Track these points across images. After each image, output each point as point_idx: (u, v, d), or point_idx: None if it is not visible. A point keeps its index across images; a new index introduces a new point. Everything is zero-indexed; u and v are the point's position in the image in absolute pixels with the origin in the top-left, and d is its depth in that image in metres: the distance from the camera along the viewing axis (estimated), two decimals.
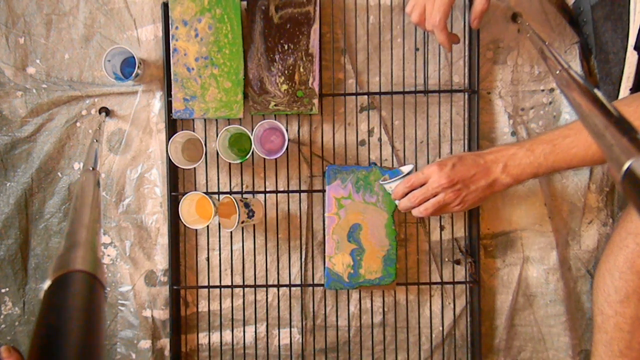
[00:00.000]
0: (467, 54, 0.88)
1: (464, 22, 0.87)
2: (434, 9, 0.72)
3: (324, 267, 0.86)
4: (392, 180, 0.77)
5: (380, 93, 0.88)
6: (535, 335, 0.91)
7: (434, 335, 0.91)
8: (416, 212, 0.75)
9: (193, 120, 0.90)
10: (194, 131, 0.89)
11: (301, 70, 0.85)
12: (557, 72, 0.51)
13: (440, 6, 0.71)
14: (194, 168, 0.91)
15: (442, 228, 0.90)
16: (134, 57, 0.85)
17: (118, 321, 0.93)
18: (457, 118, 0.89)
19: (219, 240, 0.91)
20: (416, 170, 0.79)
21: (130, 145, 0.92)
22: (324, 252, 0.88)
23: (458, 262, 0.90)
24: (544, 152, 0.67)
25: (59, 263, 0.30)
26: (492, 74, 0.89)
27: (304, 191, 0.90)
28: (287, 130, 0.85)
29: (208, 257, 0.92)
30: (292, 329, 0.92)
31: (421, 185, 0.74)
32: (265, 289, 0.91)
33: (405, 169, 0.81)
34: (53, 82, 0.91)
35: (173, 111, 0.87)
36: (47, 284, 0.29)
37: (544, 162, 0.67)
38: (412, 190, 0.75)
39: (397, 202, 0.79)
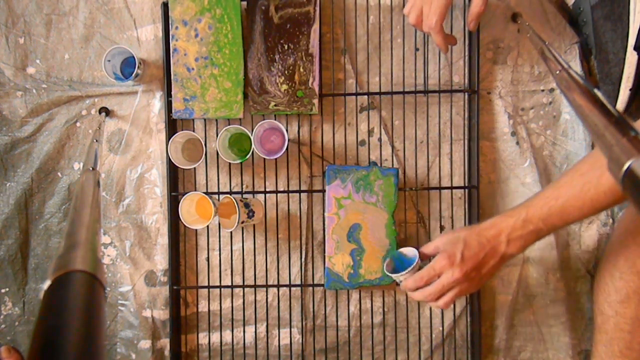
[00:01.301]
0: (467, 54, 0.88)
1: (464, 23, 0.87)
2: (430, 11, 0.72)
3: (324, 267, 0.86)
4: (401, 274, 0.76)
5: (380, 93, 0.88)
6: (535, 336, 0.91)
7: (434, 335, 0.91)
8: (435, 306, 0.76)
9: (193, 120, 0.90)
10: (194, 131, 0.89)
11: (301, 70, 0.85)
12: (557, 72, 0.51)
13: (436, 8, 0.71)
14: (194, 168, 0.91)
15: (442, 228, 0.90)
16: (134, 57, 0.85)
17: (118, 321, 0.93)
18: (457, 118, 0.89)
19: (219, 240, 0.91)
20: (418, 254, 0.78)
21: (130, 145, 0.92)
22: (324, 252, 0.88)
23: None
24: (541, 217, 0.67)
25: (59, 263, 0.30)
26: (492, 74, 0.89)
27: (304, 191, 0.90)
28: (287, 130, 0.85)
29: (208, 257, 0.92)
30: (292, 329, 0.92)
31: (433, 279, 0.73)
32: (265, 289, 0.91)
33: (408, 252, 0.80)
34: (53, 82, 0.91)
35: (173, 111, 0.87)
36: (47, 284, 0.29)
37: (544, 227, 0.67)
38: (424, 286, 0.74)
39: (407, 290, 0.77)
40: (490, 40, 0.88)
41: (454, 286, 0.72)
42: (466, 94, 0.88)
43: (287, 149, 0.84)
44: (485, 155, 0.89)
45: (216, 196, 0.89)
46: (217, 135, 0.87)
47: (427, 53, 0.88)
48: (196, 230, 0.92)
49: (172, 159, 0.83)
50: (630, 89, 0.79)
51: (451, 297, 0.72)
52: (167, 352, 0.92)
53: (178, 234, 0.91)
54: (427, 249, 0.77)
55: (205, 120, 0.90)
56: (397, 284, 0.80)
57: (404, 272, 0.76)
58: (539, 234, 0.68)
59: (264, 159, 0.88)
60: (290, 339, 0.92)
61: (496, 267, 0.71)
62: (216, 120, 0.90)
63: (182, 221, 0.83)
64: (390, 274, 0.79)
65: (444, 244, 0.73)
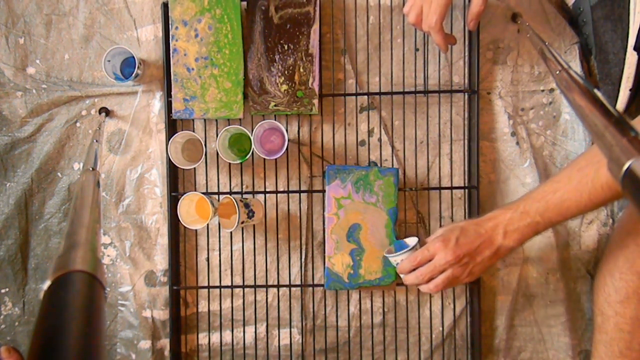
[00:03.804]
0: (467, 54, 0.88)
1: (464, 23, 0.87)
2: (430, 10, 0.72)
3: (324, 267, 0.86)
4: (397, 254, 0.78)
5: (380, 93, 0.88)
6: (535, 336, 0.91)
7: (434, 336, 0.91)
8: (425, 289, 0.75)
9: (193, 120, 0.90)
10: (194, 131, 0.89)
11: (301, 70, 0.85)
12: (557, 72, 0.51)
13: (436, 8, 0.71)
14: (194, 168, 0.91)
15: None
16: (133, 57, 0.85)
17: (118, 321, 0.93)
18: (457, 118, 0.89)
19: (219, 241, 0.91)
20: (419, 241, 0.79)
21: (130, 145, 0.92)
22: (324, 252, 0.88)
23: None
24: (539, 211, 0.67)
25: (58, 263, 0.30)
26: (492, 74, 0.89)
27: (304, 191, 0.90)
28: (287, 130, 0.85)
29: (208, 258, 0.92)
30: (292, 329, 0.92)
31: (427, 261, 0.74)
32: (265, 289, 0.91)
33: (410, 241, 0.82)
34: (53, 82, 0.91)
35: (173, 111, 0.87)
36: (47, 284, 0.29)
37: (542, 221, 0.68)
38: (418, 266, 0.75)
39: (402, 276, 0.79)
40: (490, 40, 0.88)
41: (445, 268, 0.72)
42: (466, 94, 0.88)
43: (287, 149, 0.84)
44: (485, 156, 0.90)
45: (216, 196, 0.89)
46: (217, 136, 0.87)
47: (427, 53, 0.88)
48: (196, 230, 0.92)
49: (172, 159, 0.83)
50: (630, 89, 0.79)
51: (442, 279, 0.73)
52: (167, 353, 0.92)
53: (178, 234, 0.91)
54: (429, 239, 0.78)
55: (205, 120, 0.90)
56: (400, 281, 0.80)
57: (400, 252, 0.77)
58: (536, 228, 0.68)
59: (264, 159, 0.88)
60: (290, 339, 0.92)
61: (491, 259, 0.71)
62: (216, 120, 0.90)
63: (181, 221, 0.83)
64: (387, 255, 0.80)
65: (442, 231, 0.75)
